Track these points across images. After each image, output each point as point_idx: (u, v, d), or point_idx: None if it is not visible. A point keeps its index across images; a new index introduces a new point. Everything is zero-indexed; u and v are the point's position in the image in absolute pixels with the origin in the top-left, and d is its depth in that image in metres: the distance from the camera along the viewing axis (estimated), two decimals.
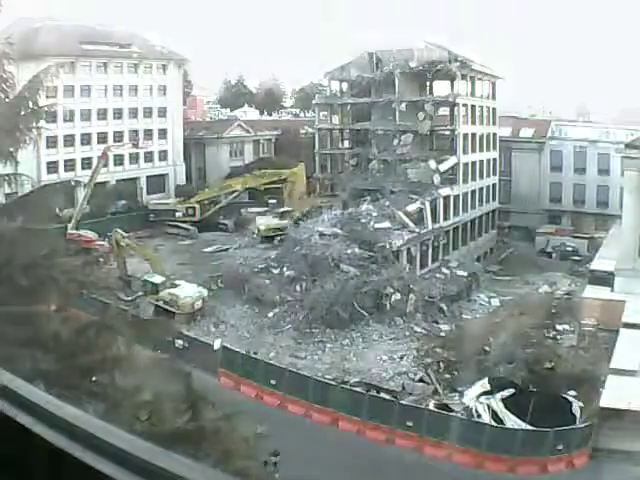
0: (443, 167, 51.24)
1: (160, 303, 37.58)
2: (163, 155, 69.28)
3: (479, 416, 28.03)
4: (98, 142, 61.83)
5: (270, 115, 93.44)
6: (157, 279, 39.60)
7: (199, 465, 1.37)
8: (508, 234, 60.59)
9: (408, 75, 52.75)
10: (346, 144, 60.02)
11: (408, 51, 53.19)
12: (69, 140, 61.10)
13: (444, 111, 56.69)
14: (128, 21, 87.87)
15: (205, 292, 39.10)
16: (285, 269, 41.73)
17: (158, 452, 1.32)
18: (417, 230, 46.26)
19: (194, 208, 60.28)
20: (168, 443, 9.59)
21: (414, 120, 52.20)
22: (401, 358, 34.75)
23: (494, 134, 58.34)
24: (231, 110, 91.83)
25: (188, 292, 38.25)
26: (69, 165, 60.19)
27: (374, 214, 46.29)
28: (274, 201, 62.41)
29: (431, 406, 29.18)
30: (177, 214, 60.43)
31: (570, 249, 54.98)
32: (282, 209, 55.23)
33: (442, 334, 38.07)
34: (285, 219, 52.71)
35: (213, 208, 60.55)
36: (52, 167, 57.94)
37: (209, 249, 52.07)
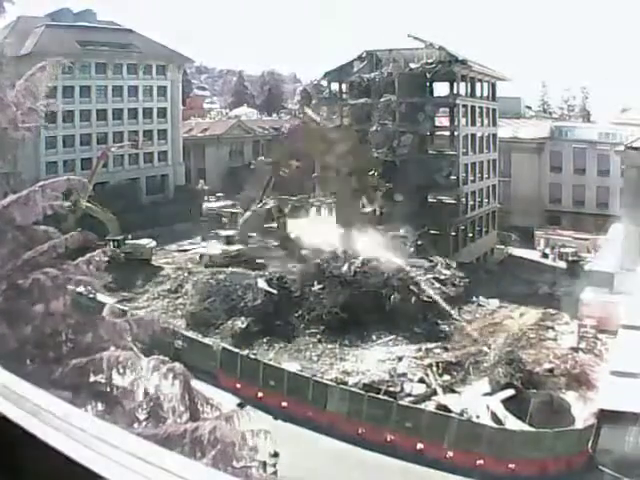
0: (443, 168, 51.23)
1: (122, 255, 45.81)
2: (163, 156, 69.23)
3: (478, 417, 27.99)
4: (98, 143, 61.82)
5: (270, 115, 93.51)
6: (118, 237, 50.20)
7: (199, 465, 1.37)
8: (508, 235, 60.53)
9: (408, 76, 52.64)
10: None
11: (408, 51, 53.11)
12: (69, 141, 61.11)
13: (444, 112, 56.66)
14: (128, 20, 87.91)
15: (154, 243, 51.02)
16: None
17: (158, 452, 1.32)
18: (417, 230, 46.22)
19: None
20: (168, 443, 9.59)
21: (414, 121, 52.11)
22: (400, 359, 34.68)
23: (494, 135, 58.31)
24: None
25: (147, 241, 50.92)
26: (69, 165, 60.16)
27: None
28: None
29: (430, 407, 29.14)
30: None
31: (570, 250, 54.95)
32: (225, 233, 51.36)
33: (441, 335, 38.02)
34: (234, 244, 49.33)
35: None
36: (52, 167, 57.92)
37: None
